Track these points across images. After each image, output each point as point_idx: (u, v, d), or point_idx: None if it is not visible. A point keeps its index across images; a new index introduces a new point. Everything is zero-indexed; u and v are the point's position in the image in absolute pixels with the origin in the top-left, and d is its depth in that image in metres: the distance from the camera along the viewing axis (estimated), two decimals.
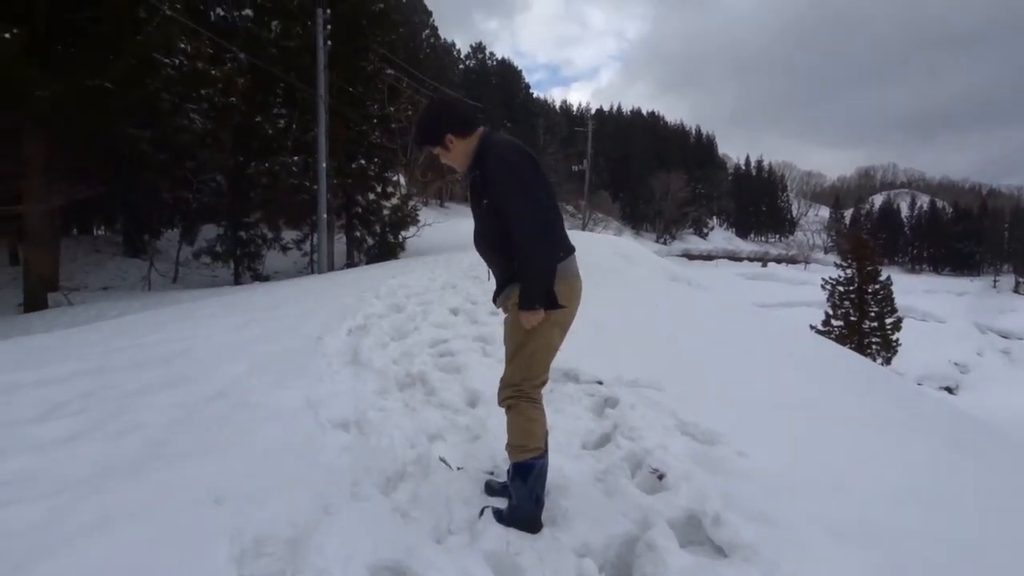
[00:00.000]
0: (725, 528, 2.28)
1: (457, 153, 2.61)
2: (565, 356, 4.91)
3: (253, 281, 18.93)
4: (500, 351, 5.32)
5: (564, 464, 2.92)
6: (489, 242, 2.63)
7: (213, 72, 14.15)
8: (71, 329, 8.35)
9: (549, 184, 2.57)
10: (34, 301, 13.84)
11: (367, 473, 2.58)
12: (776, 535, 2.26)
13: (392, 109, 22.08)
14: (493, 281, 2.76)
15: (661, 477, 2.74)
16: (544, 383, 2.66)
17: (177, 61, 13.29)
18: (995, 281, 78.11)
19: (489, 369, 4.60)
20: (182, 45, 13.21)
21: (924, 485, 2.96)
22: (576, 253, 2.63)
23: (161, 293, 15.88)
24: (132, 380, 3.83)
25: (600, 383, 4.19)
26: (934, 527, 2.49)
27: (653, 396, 3.91)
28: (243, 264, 19.63)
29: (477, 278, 9.68)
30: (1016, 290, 74.92)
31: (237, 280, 19.27)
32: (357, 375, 4.17)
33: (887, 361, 27.47)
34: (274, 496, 2.18)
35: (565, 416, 3.68)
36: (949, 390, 35.98)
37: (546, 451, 2.57)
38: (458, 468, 2.95)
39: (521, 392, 2.57)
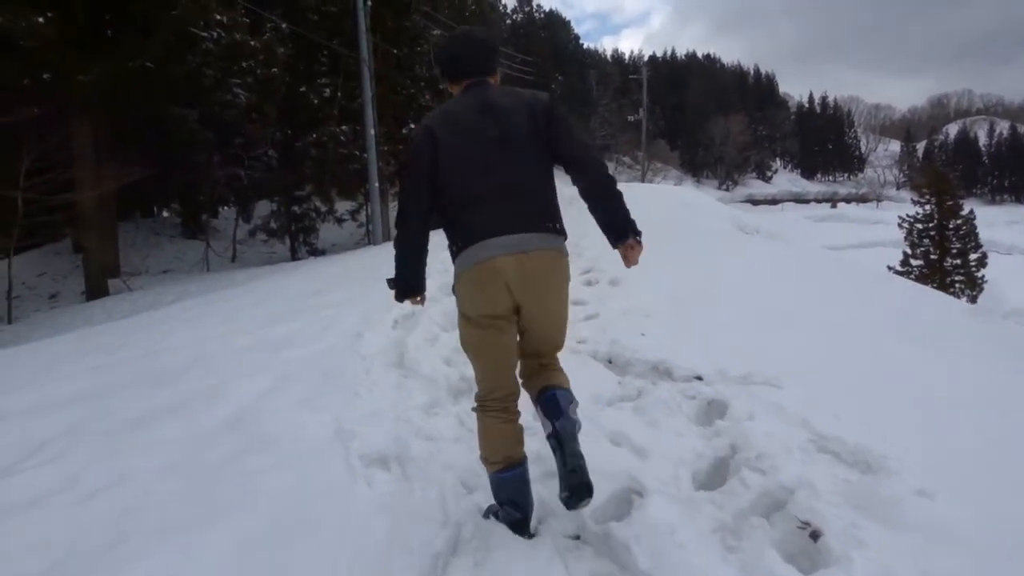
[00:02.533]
0: None
1: None
2: (649, 343, 4.15)
3: (310, 256, 18.70)
4: (572, 340, 4.66)
5: (674, 516, 2.17)
6: None
7: (252, 43, 13.65)
8: (101, 326, 8.07)
9: (461, 153, 2.28)
10: (95, 288, 13.84)
11: (407, 551, 1.95)
12: None
13: (439, 70, 21.31)
14: None
15: (816, 536, 2.00)
16: (504, 397, 2.37)
17: (215, 34, 12.81)
18: None
19: (569, 362, 3.95)
20: (218, 17, 12.71)
21: None
22: (506, 238, 2.21)
23: (218, 274, 15.75)
24: (132, 405, 3.31)
25: (700, 378, 3.44)
26: None
27: (772, 397, 3.11)
28: (298, 239, 19.38)
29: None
30: None
31: (294, 256, 19.08)
32: (401, 384, 3.54)
33: (973, 299, 25.79)
34: None
35: (663, 433, 2.92)
36: None
37: (518, 463, 2.31)
38: (530, 536, 2.28)
39: (479, 403, 2.39)
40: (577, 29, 72.85)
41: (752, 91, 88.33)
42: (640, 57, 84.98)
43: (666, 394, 3.29)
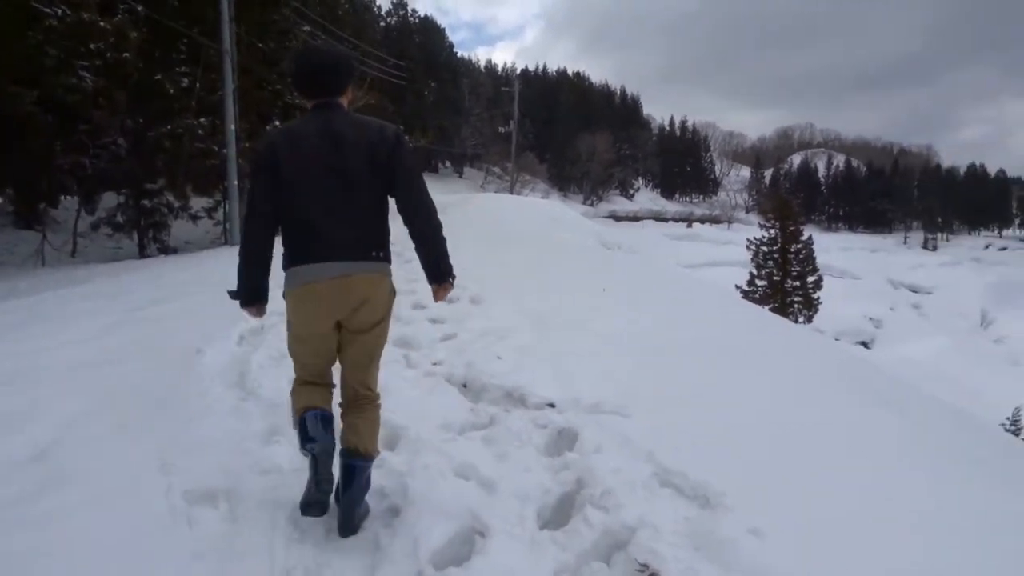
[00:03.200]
0: None
1: None
2: (505, 367, 4.23)
3: (160, 254, 17.63)
4: (428, 362, 4.71)
5: (517, 558, 2.24)
6: None
7: (102, 24, 12.75)
8: None
9: (300, 176, 2.42)
10: None
11: None
12: None
13: (291, 82, 20.77)
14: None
15: None
16: (317, 375, 2.63)
17: (59, 12, 11.88)
18: (906, 238, 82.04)
19: (415, 389, 3.97)
20: None
21: None
22: (337, 264, 2.43)
23: (55, 270, 14.55)
24: None
25: (552, 406, 3.60)
26: None
27: (620, 427, 3.30)
28: (148, 235, 18.23)
29: (399, 254, 8.96)
30: (925, 246, 78.75)
31: (142, 253, 17.91)
32: (239, 409, 3.45)
33: (809, 319, 28.24)
34: None
35: (512, 466, 2.99)
36: (864, 344, 37.57)
37: (319, 407, 2.50)
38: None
39: (293, 384, 2.62)
40: (452, 37, 73.11)
41: (618, 110, 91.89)
42: (513, 70, 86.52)
43: (518, 423, 3.43)
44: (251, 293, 2.55)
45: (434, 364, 4.53)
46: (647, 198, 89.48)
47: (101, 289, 8.55)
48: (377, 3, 62.19)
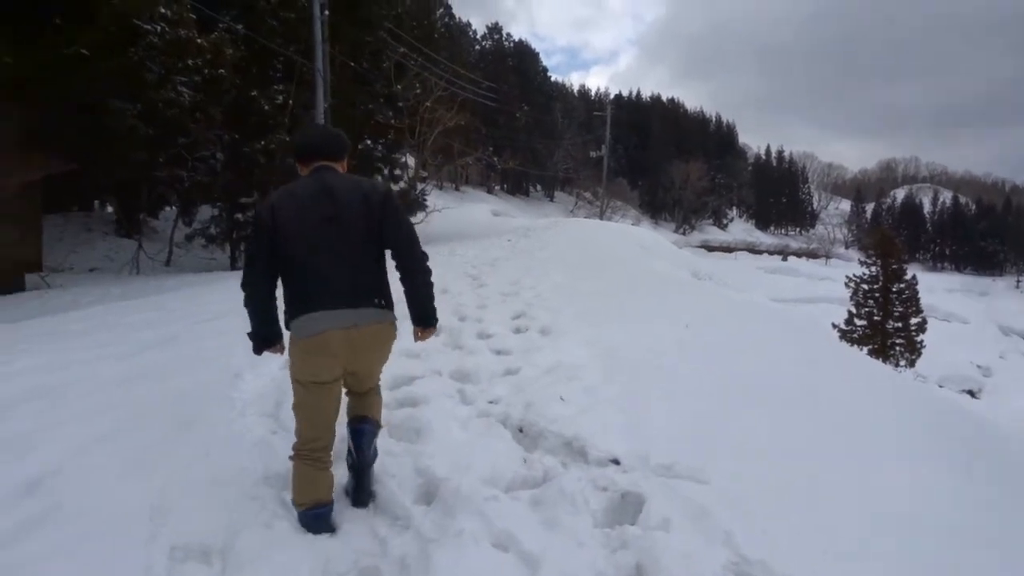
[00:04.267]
0: None
1: None
2: (568, 412, 3.66)
3: None
4: (484, 399, 4.27)
5: None
6: None
7: (199, 41, 13.14)
8: None
9: (298, 232, 2.52)
10: (7, 282, 13.01)
11: None
12: None
13: (399, 87, 21.05)
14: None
15: None
16: (321, 448, 2.61)
17: (159, 28, 12.30)
18: (1018, 281, 75.97)
19: (465, 431, 3.48)
20: (163, 10, 12.21)
21: None
22: (348, 311, 2.55)
23: (148, 278, 15.05)
24: None
25: (617, 462, 3.07)
26: None
27: (695, 495, 2.73)
28: (239, 247, 18.70)
29: (475, 278, 8.55)
30: None
31: (233, 264, 18.38)
32: (266, 443, 3.09)
33: (911, 363, 26.26)
34: None
35: (562, 538, 2.49)
36: (971, 393, 34.77)
37: (324, 504, 2.55)
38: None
39: (296, 451, 2.59)
40: (546, 61, 73.61)
41: (713, 138, 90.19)
42: (606, 94, 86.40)
43: (575, 482, 2.89)
44: (264, 341, 2.68)
45: (490, 402, 4.03)
46: (741, 229, 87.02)
47: (175, 299, 8.55)
48: (473, 28, 63.48)
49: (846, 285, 28.51)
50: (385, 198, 2.62)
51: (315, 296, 2.49)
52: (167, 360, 4.66)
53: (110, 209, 21.18)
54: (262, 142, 16.94)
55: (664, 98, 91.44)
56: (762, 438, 3.48)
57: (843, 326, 26.59)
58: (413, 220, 21.52)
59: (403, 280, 2.73)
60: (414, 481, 2.97)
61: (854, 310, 27.65)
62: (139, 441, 3.07)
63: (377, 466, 2.93)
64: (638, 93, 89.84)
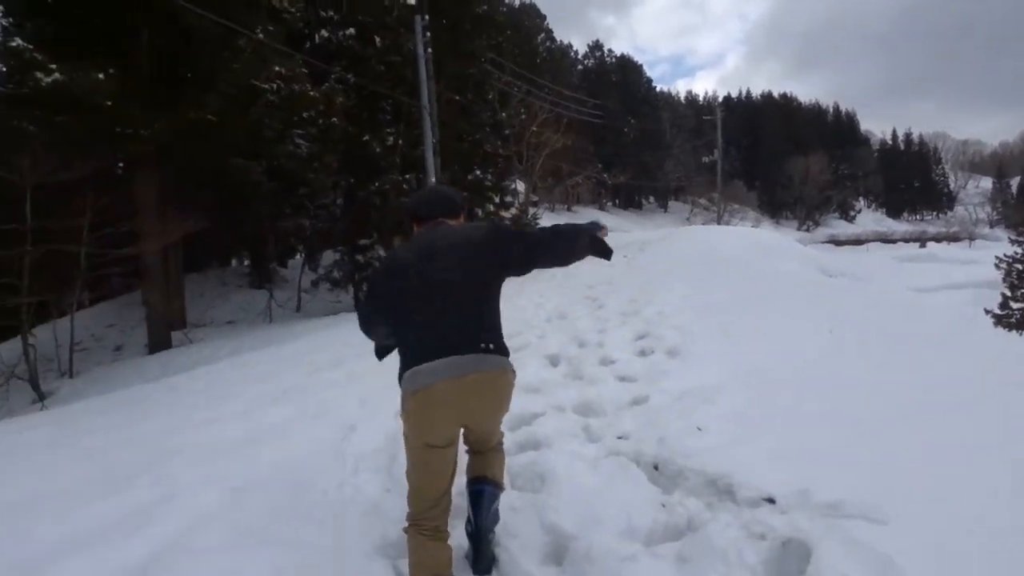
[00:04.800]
0: None
1: None
2: (708, 443, 3.19)
3: None
4: (612, 435, 3.84)
5: None
6: None
7: (312, 92, 13.58)
8: (125, 391, 7.63)
9: (404, 291, 2.45)
10: (158, 342, 13.83)
11: None
12: None
13: (504, 115, 21.09)
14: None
15: None
16: (437, 517, 2.37)
17: (275, 86, 12.78)
18: None
19: (594, 474, 3.06)
20: (277, 68, 12.69)
21: None
22: (459, 358, 2.32)
23: (280, 326, 15.60)
24: (46, 529, 2.70)
25: (772, 501, 2.52)
26: None
27: (873, 540, 2.11)
28: (362, 288, 19.16)
29: (593, 299, 8.09)
30: None
31: (357, 304, 18.85)
32: (379, 506, 2.81)
33: None
34: None
35: None
36: None
37: None
38: None
39: (411, 522, 2.39)
40: (650, 73, 72.40)
41: (831, 129, 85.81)
42: (714, 98, 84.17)
43: (724, 529, 2.39)
44: (387, 349, 2.70)
45: (619, 438, 3.57)
46: (870, 219, 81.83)
47: (296, 347, 8.63)
48: (574, 48, 63.49)
49: (996, 267, 25.92)
50: (491, 229, 2.54)
51: (426, 347, 2.36)
52: (280, 420, 4.51)
53: (245, 262, 22.38)
54: (376, 184, 17.32)
55: (776, 94, 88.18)
56: (948, 464, 2.75)
57: (997, 311, 24.01)
58: None
59: (556, 257, 2.61)
60: (540, 539, 2.65)
61: (1008, 292, 24.98)
62: (246, 518, 2.87)
63: (499, 526, 2.68)
64: (748, 93, 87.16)
